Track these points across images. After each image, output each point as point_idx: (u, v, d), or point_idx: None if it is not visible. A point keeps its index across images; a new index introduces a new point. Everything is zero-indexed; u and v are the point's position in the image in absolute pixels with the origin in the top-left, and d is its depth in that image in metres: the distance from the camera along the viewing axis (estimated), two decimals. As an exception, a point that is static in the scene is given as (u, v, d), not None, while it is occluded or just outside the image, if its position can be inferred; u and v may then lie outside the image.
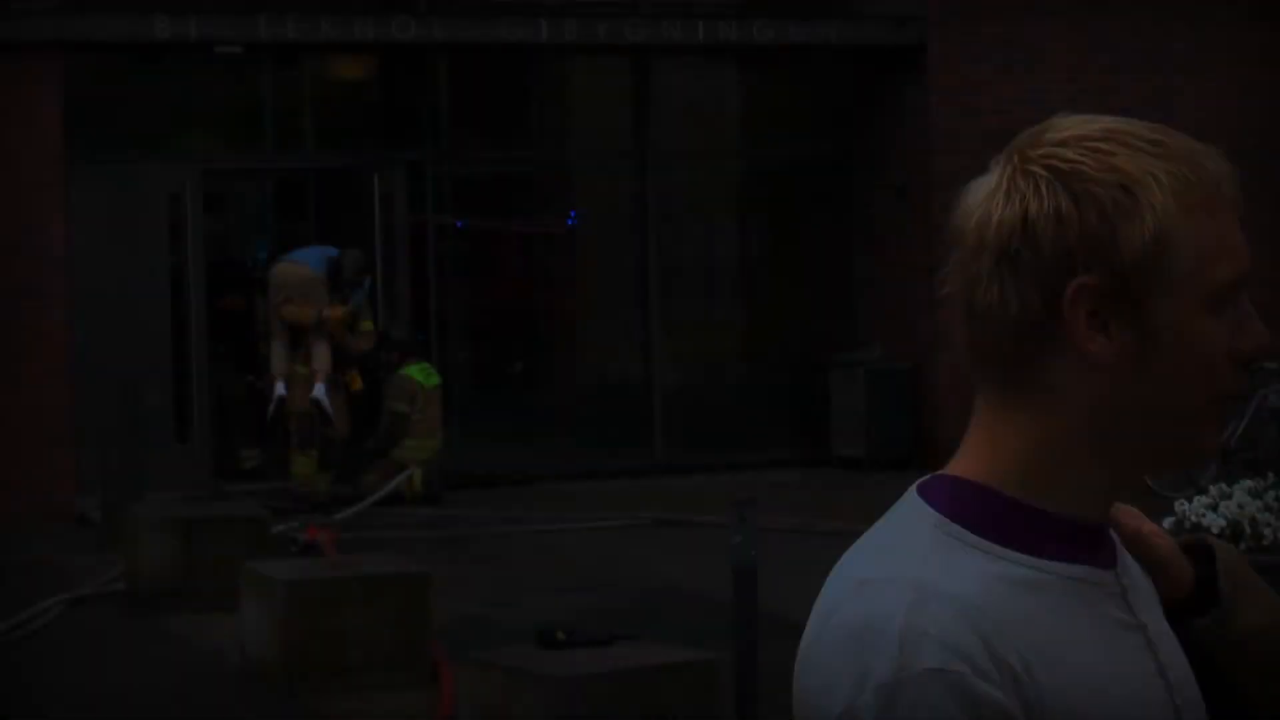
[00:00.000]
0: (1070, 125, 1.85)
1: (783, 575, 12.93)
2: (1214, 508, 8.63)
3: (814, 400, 19.56)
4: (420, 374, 17.27)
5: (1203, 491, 9.27)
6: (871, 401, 18.53)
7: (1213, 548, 2.13)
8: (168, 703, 10.04)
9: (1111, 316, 1.80)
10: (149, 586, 12.33)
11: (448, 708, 9.23)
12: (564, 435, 19.49)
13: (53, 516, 16.05)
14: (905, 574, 1.78)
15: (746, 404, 20.04)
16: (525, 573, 13.75)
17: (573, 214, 20.05)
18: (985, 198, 1.83)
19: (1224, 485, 8.95)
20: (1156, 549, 2.05)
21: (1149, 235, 1.78)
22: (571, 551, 14.72)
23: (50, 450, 16.65)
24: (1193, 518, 8.58)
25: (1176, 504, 9.05)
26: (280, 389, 17.15)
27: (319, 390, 16.99)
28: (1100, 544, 1.89)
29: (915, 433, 18.59)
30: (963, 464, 1.87)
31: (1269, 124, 19.35)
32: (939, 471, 1.90)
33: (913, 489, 1.90)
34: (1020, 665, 1.75)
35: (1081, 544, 1.86)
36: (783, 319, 20.52)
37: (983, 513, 1.83)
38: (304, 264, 17.11)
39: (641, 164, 19.26)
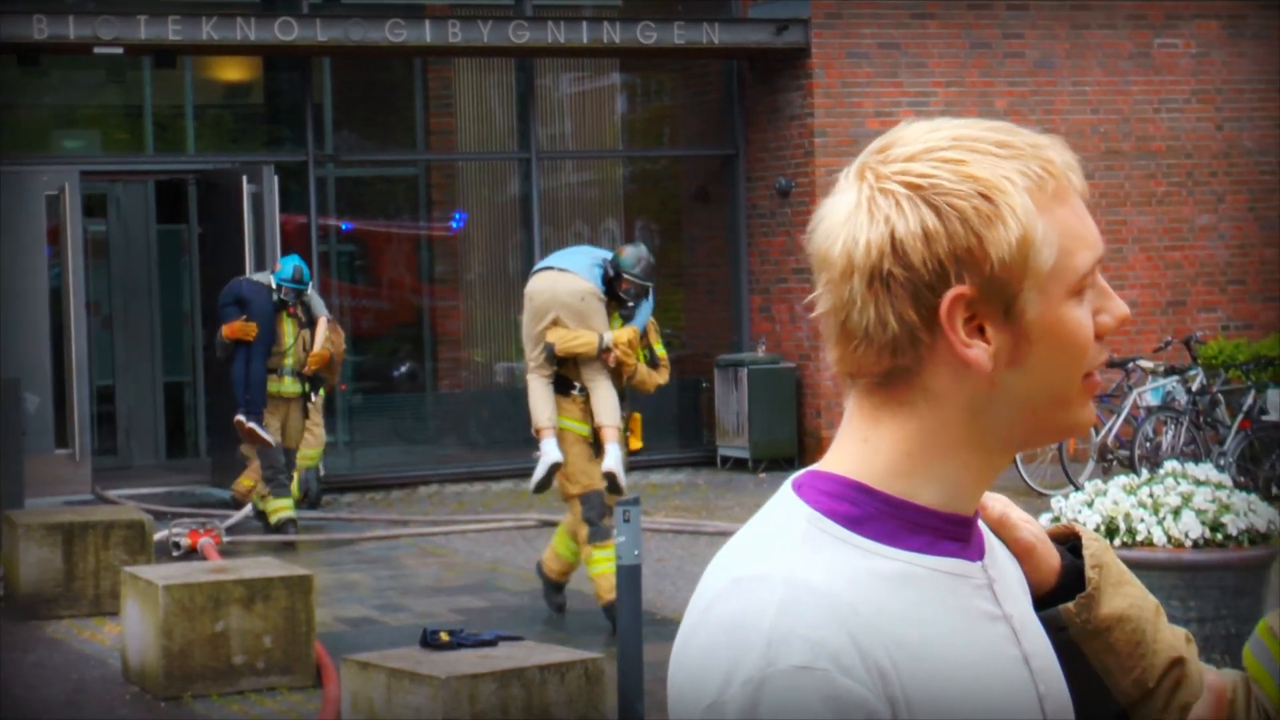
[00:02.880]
0: (916, 137, 1.87)
1: (667, 575, 13.01)
2: (1090, 504, 8.71)
3: (699, 401, 19.65)
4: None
5: (1079, 489, 9.37)
6: (755, 401, 18.61)
7: (1080, 536, 2.18)
8: (49, 708, 9.95)
9: (987, 320, 1.83)
10: (30, 592, 12.23)
11: (331, 710, 9.21)
12: (449, 437, 19.48)
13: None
14: (777, 570, 1.80)
15: (632, 405, 20.06)
16: (410, 575, 13.73)
17: (458, 216, 20.02)
18: (846, 220, 1.85)
19: (1099, 482, 9.04)
20: (1024, 536, 2.09)
21: (1014, 239, 1.81)
22: (459, 553, 14.70)
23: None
24: (1069, 514, 8.66)
25: (1054, 501, 9.14)
26: None
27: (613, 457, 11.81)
28: (970, 536, 1.92)
29: (799, 432, 18.71)
30: (836, 460, 1.90)
31: (1144, 125, 19.60)
32: (813, 468, 1.92)
33: (787, 484, 1.92)
34: (888, 660, 1.77)
35: (951, 537, 1.89)
36: (668, 320, 20.59)
37: (854, 508, 1.86)
38: (574, 272, 12.16)
39: (527, 166, 19.27)
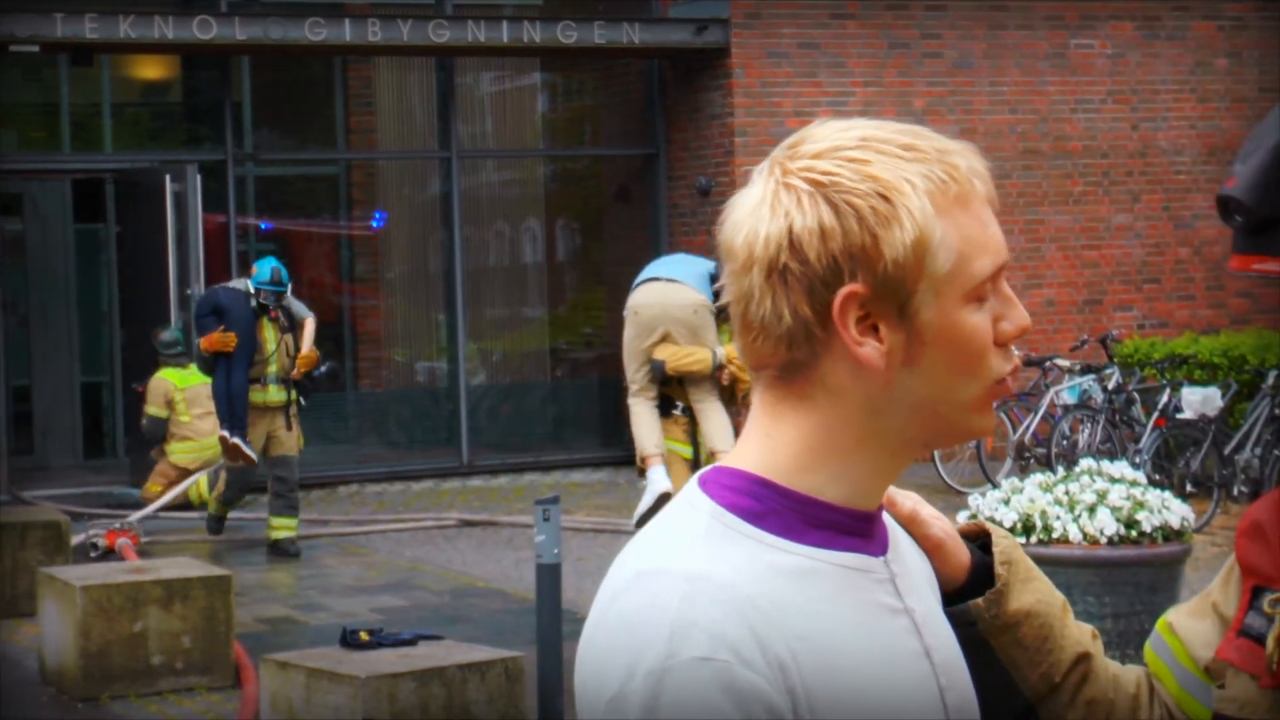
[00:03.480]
0: (826, 135, 1.90)
1: (588, 573, 13.03)
2: (1006, 502, 8.79)
3: (619, 400, 19.66)
4: (176, 376, 16.72)
5: (996, 487, 9.44)
6: (676, 401, 18.62)
7: (990, 532, 2.22)
8: (-35, 710, 9.89)
9: (880, 319, 1.85)
10: (-55, 593, 12.14)
11: (250, 710, 9.19)
12: (370, 437, 19.45)
13: None
14: (679, 564, 1.83)
15: (553, 404, 20.12)
16: (331, 575, 13.70)
17: (378, 215, 19.98)
18: (750, 213, 1.88)
19: (1016, 480, 9.12)
20: (934, 532, 2.13)
21: (909, 240, 1.83)
22: (379, 552, 14.68)
23: None
24: (986, 512, 8.73)
25: (971, 499, 9.21)
26: None
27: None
28: (872, 532, 1.95)
29: (719, 432, 18.74)
30: (741, 456, 1.93)
31: (1061, 125, 19.74)
32: (719, 463, 1.95)
33: (693, 480, 1.95)
34: (788, 653, 1.80)
35: (853, 532, 1.91)
36: (589, 319, 20.62)
37: (756, 503, 1.88)
38: (684, 283, 11.40)
39: (447, 165, 19.25)
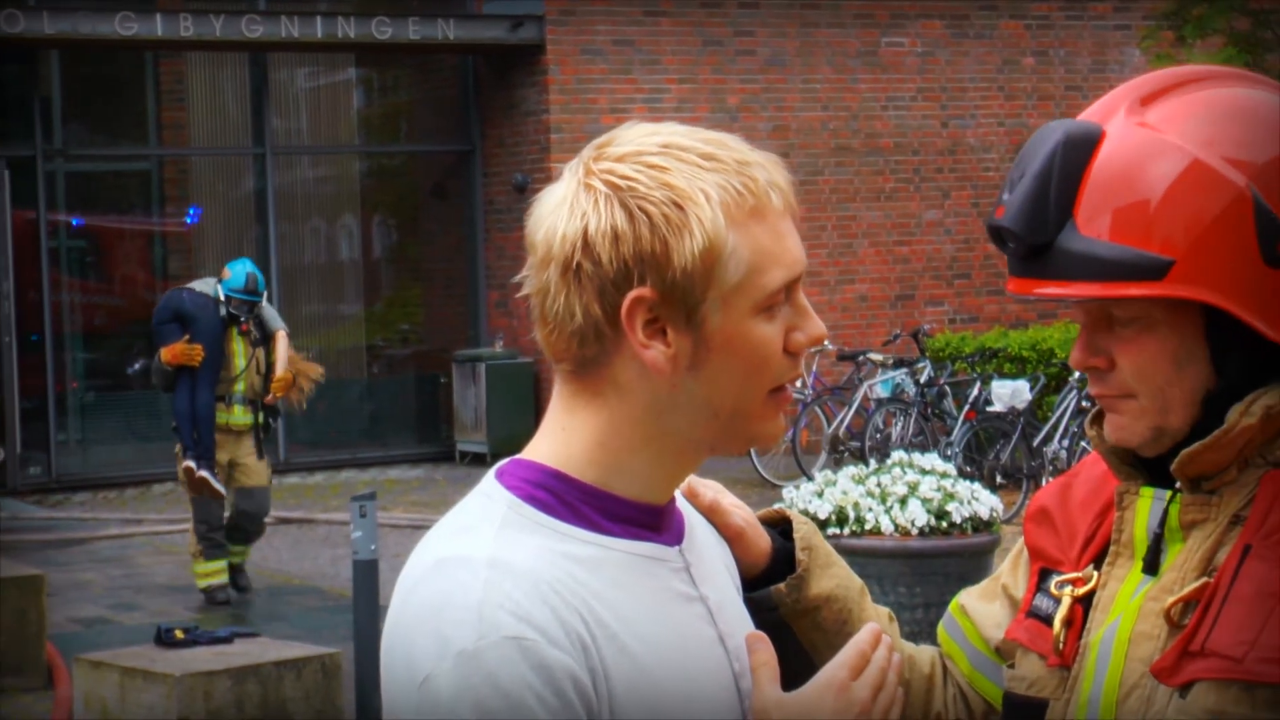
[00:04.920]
0: (632, 138, 1.94)
1: (403, 569, 13.02)
2: (820, 495, 8.89)
3: (437, 396, 19.65)
4: None
5: (811, 480, 9.56)
6: (493, 396, 18.65)
7: (791, 520, 2.28)
8: None
9: (668, 323, 1.90)
10: None
11: (63, 711, 9.09)
12: (185, 435, 19.24)
13: None
14: (480, 552, 1.88)
15: (369, 401, 20.04)
16: (145, 574, 13.58)
17: (192, 211, 19.79)
18: (552, 210, 1.93)
19: (830, 473, 9.23)
20: (734, 521, 2.19)
21: (698, 249, 1.88)
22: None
23: None
24: (800, 505, 8.83)
25: (785, 492, 9.31)
26: None
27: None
28: (664, 524, 2.00)
29: (537, 427, 18.74)
30: (537, 449, 1.99)
31: (872, 122, 19.98)
32: (517, 456, 2.00)
33: (491, 472, 2.00)
34: (588, 636, 1.85)
35: (646, 523, 1.97)
36: (406, 315, 20.57)
37: (551, 495, 1.94)
38: None
39: (261, 161, 19.11)
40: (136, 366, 14.63)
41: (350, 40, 18.21)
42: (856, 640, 1.98)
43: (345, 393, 19.74)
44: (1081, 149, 2.09)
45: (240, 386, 12.61)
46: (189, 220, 19.80)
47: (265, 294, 12.90)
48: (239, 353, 12.63)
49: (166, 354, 12.42)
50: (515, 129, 19.05)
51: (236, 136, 19.85)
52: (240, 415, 12.63)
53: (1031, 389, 16.63)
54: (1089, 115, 2.15)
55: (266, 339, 12.76)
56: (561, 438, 1.97)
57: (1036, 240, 2.08)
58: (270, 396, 12.64)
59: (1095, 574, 2.17)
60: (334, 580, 12.93)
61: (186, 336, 12.42)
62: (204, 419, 12.35)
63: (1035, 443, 16.11)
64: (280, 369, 12.66)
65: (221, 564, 12.42)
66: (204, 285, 12.82)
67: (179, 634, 8.62)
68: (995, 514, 8.90)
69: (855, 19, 19.89)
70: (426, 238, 20.72)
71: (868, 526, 8.71)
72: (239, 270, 12.64)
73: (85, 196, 19.64)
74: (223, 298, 12.57)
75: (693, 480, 2.14)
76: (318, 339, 19.82)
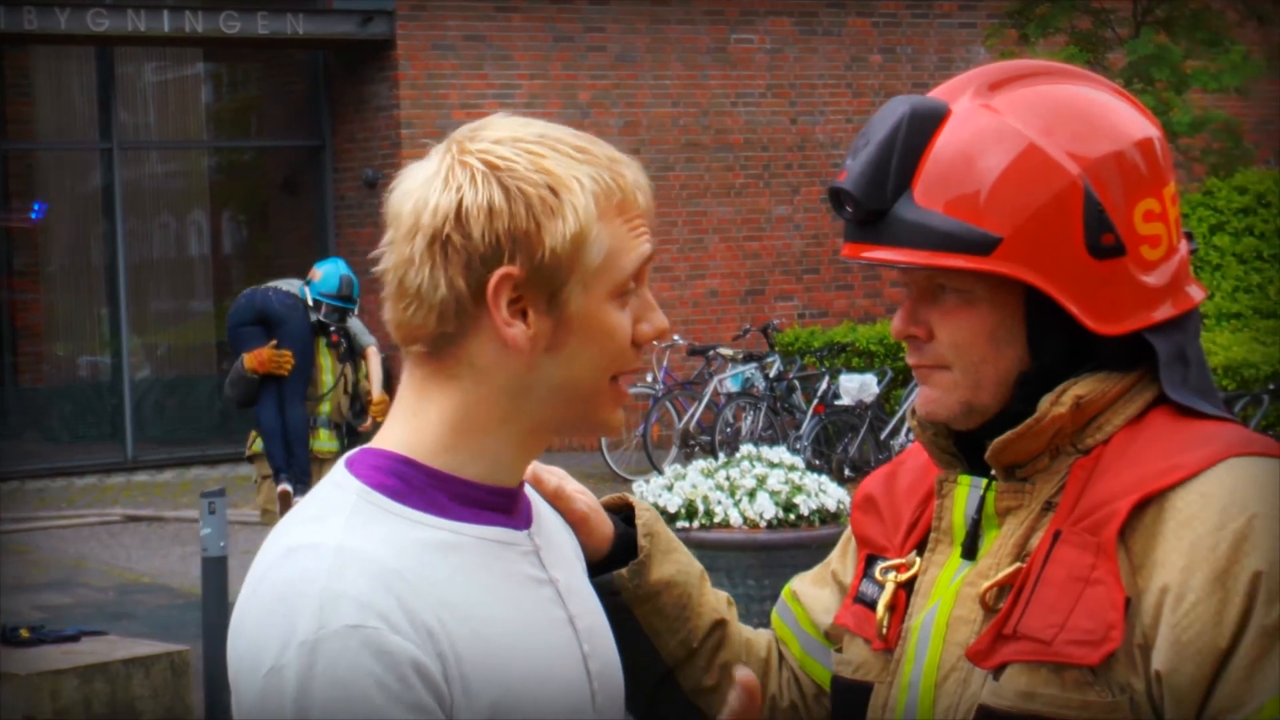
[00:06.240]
0: (509, 126, 1.99)
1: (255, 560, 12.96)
2: (670, 488, 8.96)
3: (287, 393, 19.54)
4: None
5: (661, 473, 9.63)
6: (345, 393, 18.58)
7: (634, 506, 2.33)
8: None
9: (531, 304, 1.94)
10: None
11: (-92, 712, 8.99)
12: (33, 432, 19.04)
13: None
14: (327, 540, 1.91)
15: (219, 397, 19.89)
16: (-10, 573, 13.44)
17: (38, 206, 19.57)
18: (423, 184, 1.96)
19: (680, 467, 9.31)
20: (578, 506, 2.24)
21: (569, 233, 1.93)
22: (42, 550, 14.43)
23: None
24: (651, 498, 8.90)
25: (636, 485, 9.38)
26: None
27: None
28: (515, 507, 2.04)
29: (389, 423, 18.73)
30: (387, 437, 2.02)
31: (722, 118, 20.10)
32: (367, 444, 2.04)
33: (341, 462, 2.03)
34: (435, 621, 1.89)
35: (496, 508, 2.01)
36: (255, 312, 20.44)
37: (400, 482, 1.97)
38: None
39: (108, 155, 18.93)
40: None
41: (198, 34, 18.08)
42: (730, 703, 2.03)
43: (195, 389, 19.60)
44: (926, 123, 2.16)
45: (326, 408, 11.31)
46: (34, 216, 19.58)
47: (358, 304, 11.44)
48: (327, 368, 11.33)
49: (252, 360, 10.97)
50: (366, 124, 19.00)
51: (83, 131, 19.64)
52: (326, 441, 11.30)
53: (879, 383, 16.82)
54: (937, 94, 2.22)
55: (355, 354, 11.48)
56: (412, 424, 2.00)
57: (873, 206, 2.13)
58: (368, 422, 11.28)
59: (918, 560, 2.23)
60: (184, 578, 12.86)
61: (273, 342, 11.05)
62: (298, 438, 11.07)
63: (883, 436, 16.29)
64: (376, 390, 11.42)
65: None
66: (289, 284, 11.38)
67: (25, 633, 8.56)
68: (843, 506, 9.01)
69: (705, 15, 20.00)
70: (277, 233, 20.62)
71: (717, 519, 8.80)
72: (331, 272, 11.25)
73: (-73, 192, 19.38)
74: (311, 302, 11.19)
75: (537, 466, 2.18)
76: (166, 335, 19.69)
